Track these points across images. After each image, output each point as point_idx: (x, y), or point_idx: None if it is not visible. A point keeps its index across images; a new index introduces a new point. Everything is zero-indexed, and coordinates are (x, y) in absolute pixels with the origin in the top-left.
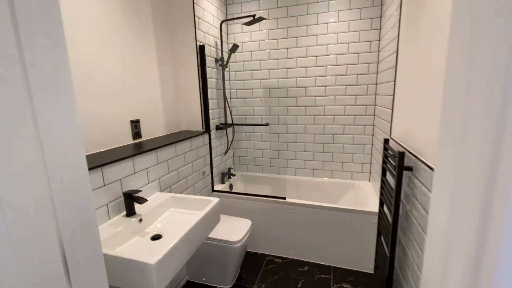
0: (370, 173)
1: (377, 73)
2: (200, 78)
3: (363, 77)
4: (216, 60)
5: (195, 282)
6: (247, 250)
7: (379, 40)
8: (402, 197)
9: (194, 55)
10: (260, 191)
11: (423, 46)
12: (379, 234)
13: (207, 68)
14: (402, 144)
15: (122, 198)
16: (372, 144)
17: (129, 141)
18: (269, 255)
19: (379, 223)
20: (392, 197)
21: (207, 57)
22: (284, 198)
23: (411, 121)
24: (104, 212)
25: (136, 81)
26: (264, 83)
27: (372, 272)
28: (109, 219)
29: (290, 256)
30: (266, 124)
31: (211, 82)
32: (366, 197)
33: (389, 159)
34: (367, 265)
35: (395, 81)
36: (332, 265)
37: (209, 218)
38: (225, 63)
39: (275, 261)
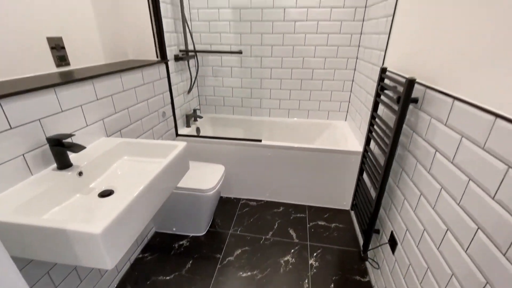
0: (347, 111)
1: None
2: None
3: None
4: None
5: (165, 232)
6: (220, 195)
7: None
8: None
9: None
10: (231, 134)
11: None
12: (361, 173)
13: None
14: (403, 74)
15: (47, 146)
16: (352, 80)
17: (51, 69)
18: (243, 198)
19: (362, 162)
20: (386, 134)
21: None
22: (260, 141)
23: (418, 42)
24: (19, 165)
25: None
26: (234, 2)
27: (346, 208)
28: (31, 175)
29: (265, 198)
30: (240, 52)
31: None
32: (345, 136)
33: (386, 91)
34: (340, 202)
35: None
36: (307, 204)
37: (175, 166)
38: None
39: (249, 204)
